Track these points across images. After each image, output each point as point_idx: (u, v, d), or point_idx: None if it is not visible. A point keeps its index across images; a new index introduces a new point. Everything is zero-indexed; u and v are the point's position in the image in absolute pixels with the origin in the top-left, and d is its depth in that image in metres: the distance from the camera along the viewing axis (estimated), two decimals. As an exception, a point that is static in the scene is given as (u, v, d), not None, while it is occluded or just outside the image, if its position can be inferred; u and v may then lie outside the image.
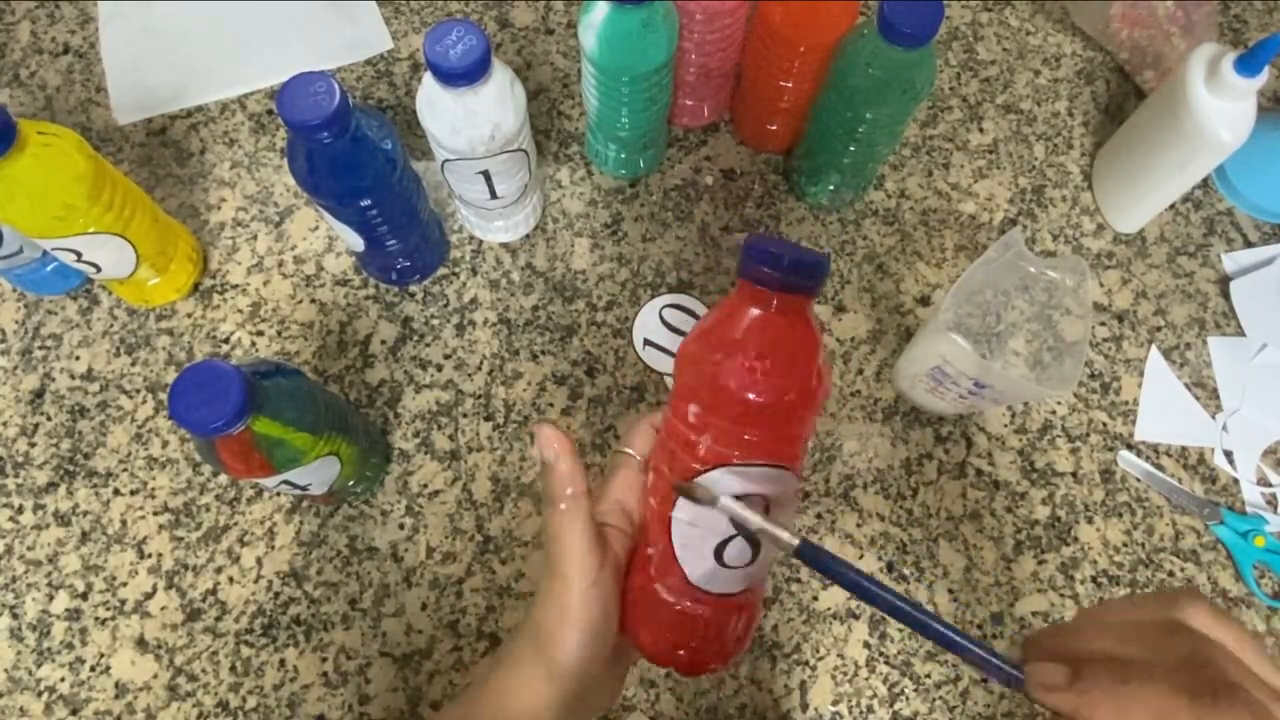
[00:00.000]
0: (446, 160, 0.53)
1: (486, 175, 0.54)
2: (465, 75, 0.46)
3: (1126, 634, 0.29)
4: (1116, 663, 0.28)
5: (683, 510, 0.33)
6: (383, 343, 0.60)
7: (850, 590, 0.32)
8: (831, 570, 0.31)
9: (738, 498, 0.32)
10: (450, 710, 0.36)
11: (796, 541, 0.31)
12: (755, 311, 0.32)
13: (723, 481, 0.32)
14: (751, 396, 0.31)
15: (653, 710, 0.52)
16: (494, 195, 0.56)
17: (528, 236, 0.63)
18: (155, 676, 0.52)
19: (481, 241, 0.63)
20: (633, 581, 0.35)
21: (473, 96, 0.48)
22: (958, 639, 0.30)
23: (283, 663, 0.52)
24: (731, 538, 0.32)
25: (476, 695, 0.35)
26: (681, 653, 0.34)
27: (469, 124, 0.49)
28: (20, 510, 0.55)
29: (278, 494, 0.56)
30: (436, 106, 0.49)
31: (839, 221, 0.65)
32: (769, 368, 0.31)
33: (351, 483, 0.53)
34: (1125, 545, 0.57)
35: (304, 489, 0.48)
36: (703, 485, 0.32)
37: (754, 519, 0.31)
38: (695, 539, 0.33)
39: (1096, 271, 0.65)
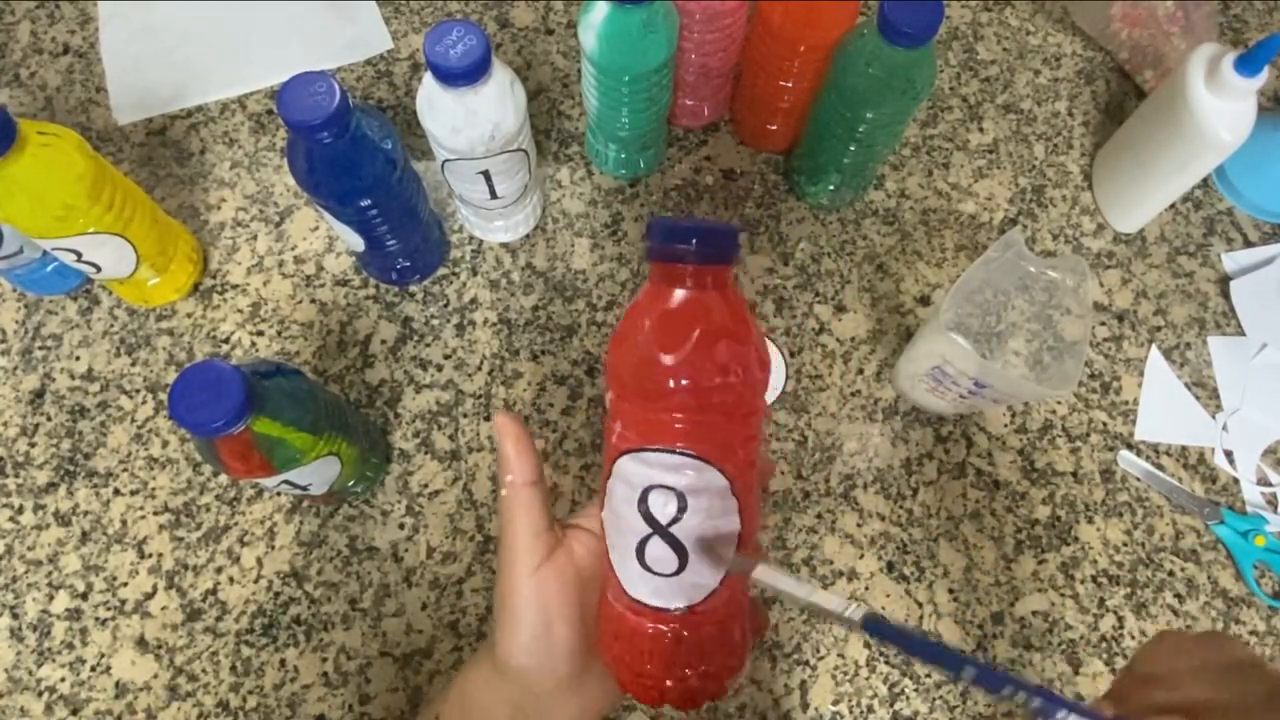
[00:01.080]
0: (446, 160, 0.53)
1: (486, 175, 0.54)
2: (465, 75, 0.46)
3: (1214, 678, 0.31)
4: (1225, 708, 0.30)
5: (607, 507, 0.31)
6: (383, 343, 0.60)
7: (927, 662, 0.27)
8: (899, 642, 0.27)
9: (648, 489, 0.29)
10: (425, 707, 0.36)
11: (859, 616, 0.27)
12: (655, 289, 0.30)
13: (628, 470, 0.30)
14: (644, 370, 0.29)
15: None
16: (494, 195, 0.56)
17: (528, 236, 0.63)
18: (155, 676, 0.52)
19: (481, 241, 0.63)
20: (601, 594, 0.33)
21: (473, 96, 0.48)
22: (1057, 703, 0.27)
23: (283, 663, 0.52)
24: (648, 537, 0.30)
25: (444, 691, 0.35)
26: (631, 674, 0.31)
27: (469, 124, 0.49)
28: (20, 510, 0.55)
29: (278, 494, 0.56)
30: (436, 106, 0.49)
31: (839, 221, 0.65)
32: (663, 343, 0.29)
33: (351, 483, 0.53)
34: (1125, 545, 0.57)
35: (304, 489, 0.48)
36: (739, 557, 0.30)
37: (800, 595, 0.28)
38: (617, 537, 0.31)
39: (1096, 271, 0.65)
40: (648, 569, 0.30)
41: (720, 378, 0.29)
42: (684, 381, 0.29)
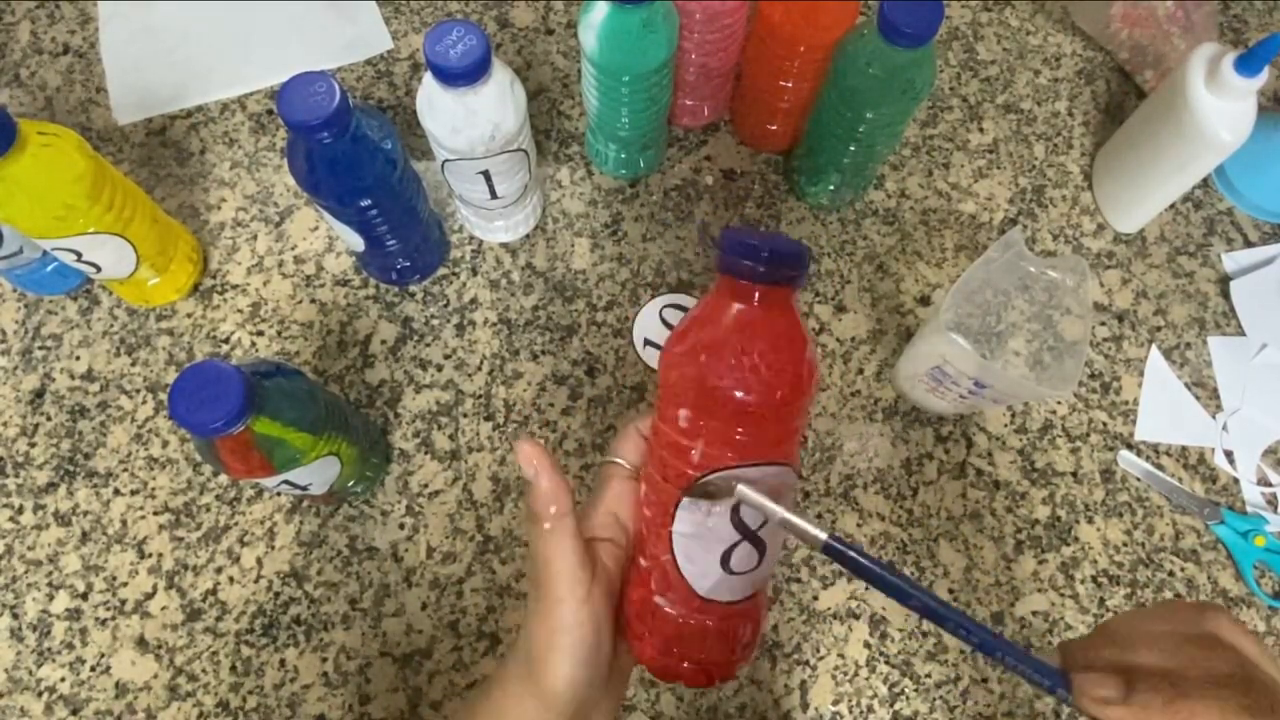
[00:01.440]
0: (446, 160, 0.53)
1: (486, 175, 0.54)
2: (465, 75, 0.46)
3: (1168, 646, 0.29)
4: (1167, 676, 0.28)
5: (684, 523, 0.31)
6: (383, 343, 0.60)
7: (881, 589, 0.30)
8: (860, 568, 0.30)
9: (740, 503, 0.31)
10: None
11: (824, 536, 0.30)
12: (738, 306, 0.30)
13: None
14: (742, 395, 0.29)
15: (653, 710, 0.52)
16: (494, 195, 0.56)
17: (528, 236, 0.63)
18: (155, 676, 0.52)
19: (481, 241, 0.63)
20: (631, 595, 0.34)
21: (473, 96, 0.48)
22: (996, 644, 0.29)
23: (283, 663, 0.52)
24: (737, 544, 0.31)
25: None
26: (686, 665, 0.33)
27: (469, 124, 0.49)
28: (20, 510, 0.55)
29: (278, 494, 0.56)
30: (436, 106, 0.49)
31: (839, 221, 0.65)
32: (758, 364, 0.29)
33: (351, 483, 0.53)
34: (1125, 545, 0.57)
35: (304, 489, 0.48)
36: (715, 480, 0.30)
37: (778, 511, 0.30)
38: (699, 551, 0.31)
39: (1096, 271, 0.65)
40: (730, 571, 0.32)
41: (806, 392, 0.31)
42: (780, 400, 0.30)
